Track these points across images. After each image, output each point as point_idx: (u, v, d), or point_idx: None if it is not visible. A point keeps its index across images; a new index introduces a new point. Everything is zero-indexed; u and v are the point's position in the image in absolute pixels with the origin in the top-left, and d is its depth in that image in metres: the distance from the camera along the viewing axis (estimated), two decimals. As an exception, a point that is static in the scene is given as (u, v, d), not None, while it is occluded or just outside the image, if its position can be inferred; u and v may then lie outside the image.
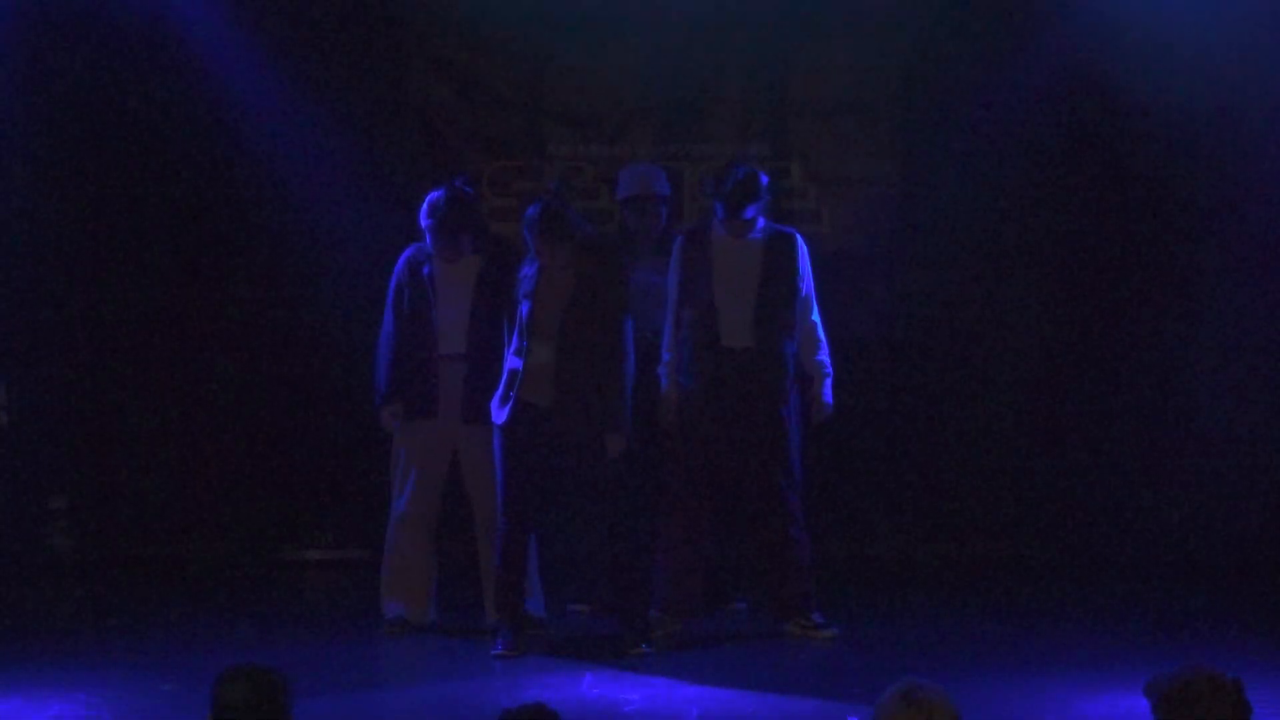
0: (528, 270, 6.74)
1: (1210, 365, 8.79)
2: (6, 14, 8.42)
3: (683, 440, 6.90)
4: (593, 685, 6.21)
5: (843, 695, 5.94)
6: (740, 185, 6.89)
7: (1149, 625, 7.24)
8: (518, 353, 6.68)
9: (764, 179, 7.00)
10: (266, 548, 8.91)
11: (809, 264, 7.05)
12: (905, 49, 8.93)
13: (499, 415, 6.67)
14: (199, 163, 8.96)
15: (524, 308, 6.67)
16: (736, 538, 7.41)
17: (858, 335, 8.76)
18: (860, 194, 8.97)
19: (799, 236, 7.10)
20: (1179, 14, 8.30)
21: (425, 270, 7.01)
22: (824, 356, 7.04)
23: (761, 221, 7.01)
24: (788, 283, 6.97)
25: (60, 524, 8.87)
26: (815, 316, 7.05)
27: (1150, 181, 8.82)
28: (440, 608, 7.14)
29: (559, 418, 6.60)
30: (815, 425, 7.06)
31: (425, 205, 7.02)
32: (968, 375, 9.05)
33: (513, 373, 6.67)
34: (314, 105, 8.81)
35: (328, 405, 8.94)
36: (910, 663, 6.38)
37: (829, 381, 7.02)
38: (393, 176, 8.84)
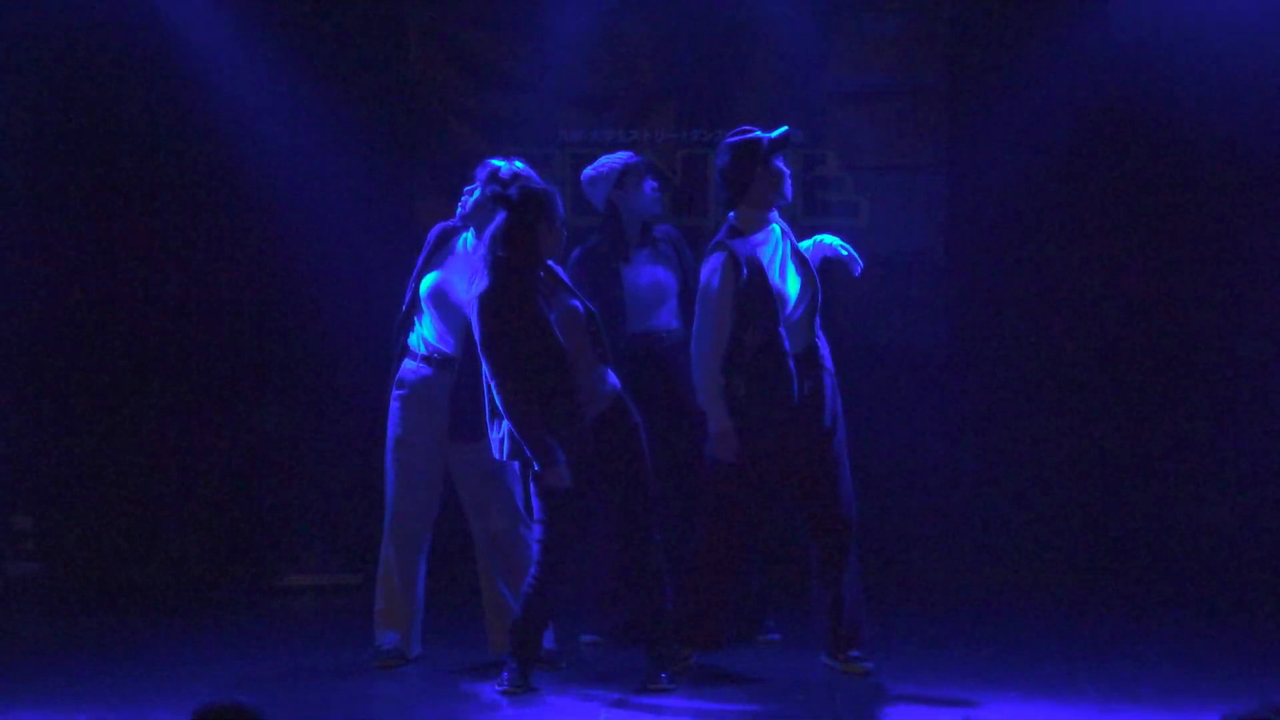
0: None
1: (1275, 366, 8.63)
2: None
3: (744, 466, 6.33)
4: (608, 723, 5.89)
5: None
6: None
7: (1223, 655, 6.84)
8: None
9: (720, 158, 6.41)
10: (250, 572, 8.69)
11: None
12: (951, 24, 8.72)
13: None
14: (181, 154, 8.76)
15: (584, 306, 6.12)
16: (774, 563, 7.20)
17: (900, 343, 8.67)
18: (903, 185, 8.71)
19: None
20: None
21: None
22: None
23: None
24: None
25: (25, 546, 8.64)
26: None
27: (1215, 168, 8.64)
28: (433, 639, 6.80)
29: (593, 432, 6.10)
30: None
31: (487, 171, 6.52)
32: (1021, 387, 8.80)
33: None
34: (308, 87, 8.60)
35: (316, 419, 8.77)
36: (954, 698, 6.02)
37: None
38: (393, 166, 8.68)
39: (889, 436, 8.30)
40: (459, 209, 6.55)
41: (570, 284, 6.14)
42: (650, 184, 7.02)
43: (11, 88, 8.58)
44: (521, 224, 5.96)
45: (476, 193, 6.48)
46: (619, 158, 7.06)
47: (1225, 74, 8.43)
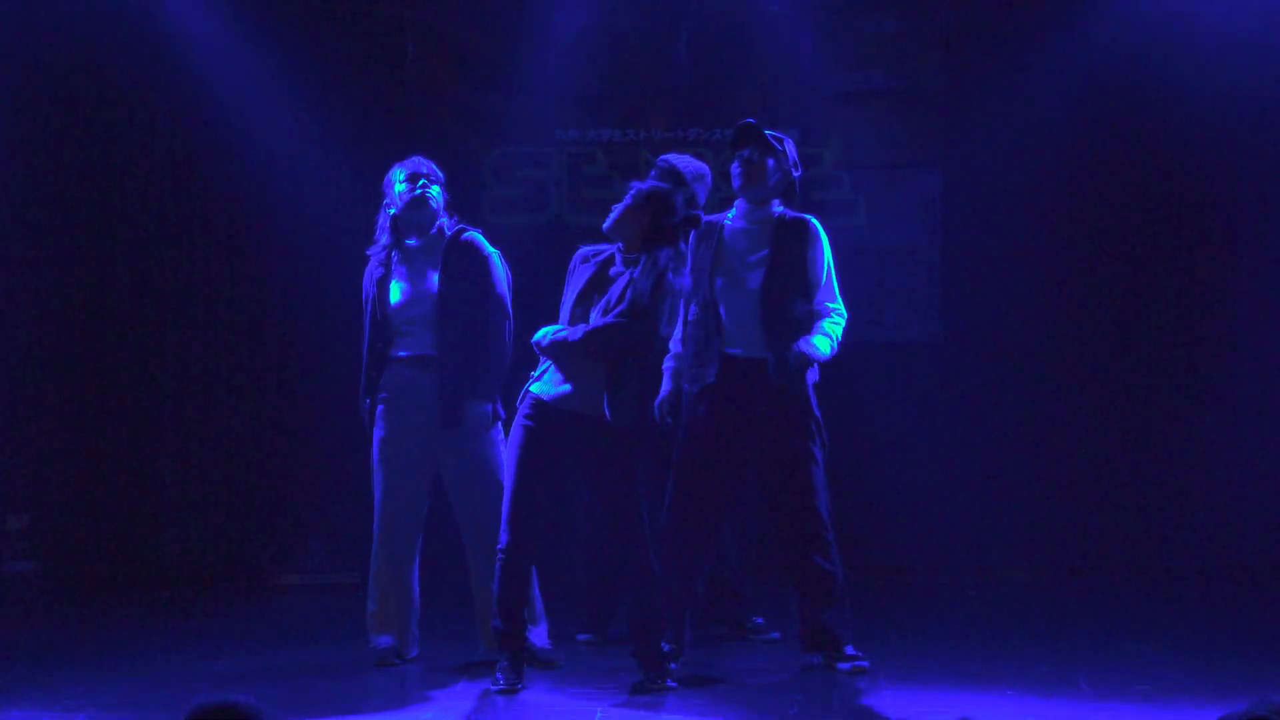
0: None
1: (1270, 362, 8.63)
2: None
3: (686, 451, 6.41)
4: (604, 724, 5.80)
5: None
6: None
7: (1220, 653, 6.79)
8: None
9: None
10: (247, 571, 8.69)
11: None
12: (947, 24, 8.73)
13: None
14: (180, 155, 8.78)
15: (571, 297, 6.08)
16: (766, 562, 7.14)
17: (895, 340, 8.66)
18: (899, 183, 8.72)
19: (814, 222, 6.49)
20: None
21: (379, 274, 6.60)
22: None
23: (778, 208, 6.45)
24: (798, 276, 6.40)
25: (20, 545, 8.53)
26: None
27: (1209, 167, 8.68)
28: (425, 639, 6.72)
29: (569, 425, 6.02)
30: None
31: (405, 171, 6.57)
32: (1016, 383, 8.81)
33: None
34: (306, 86, 8.63)
35: (313, 417, 8.78)
36: (950, 697, 5.96)
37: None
38: (390, 165, 8.36)
39: (884, 432, 8.26)
40: (393, 208, 6.50)
41: (649, 305, 5.97)
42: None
43: (10, 88, 8.52)
44: (636, 207, 5.98)
45: (408, 189, 6.48)
46: None
47: (1221, 75, 8.45)
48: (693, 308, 6.38)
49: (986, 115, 8.56)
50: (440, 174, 6.56)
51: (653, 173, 6.93)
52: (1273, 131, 8.55)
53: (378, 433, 6.53)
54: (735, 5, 8.59)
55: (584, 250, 6.11)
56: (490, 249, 6.43)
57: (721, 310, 6.31)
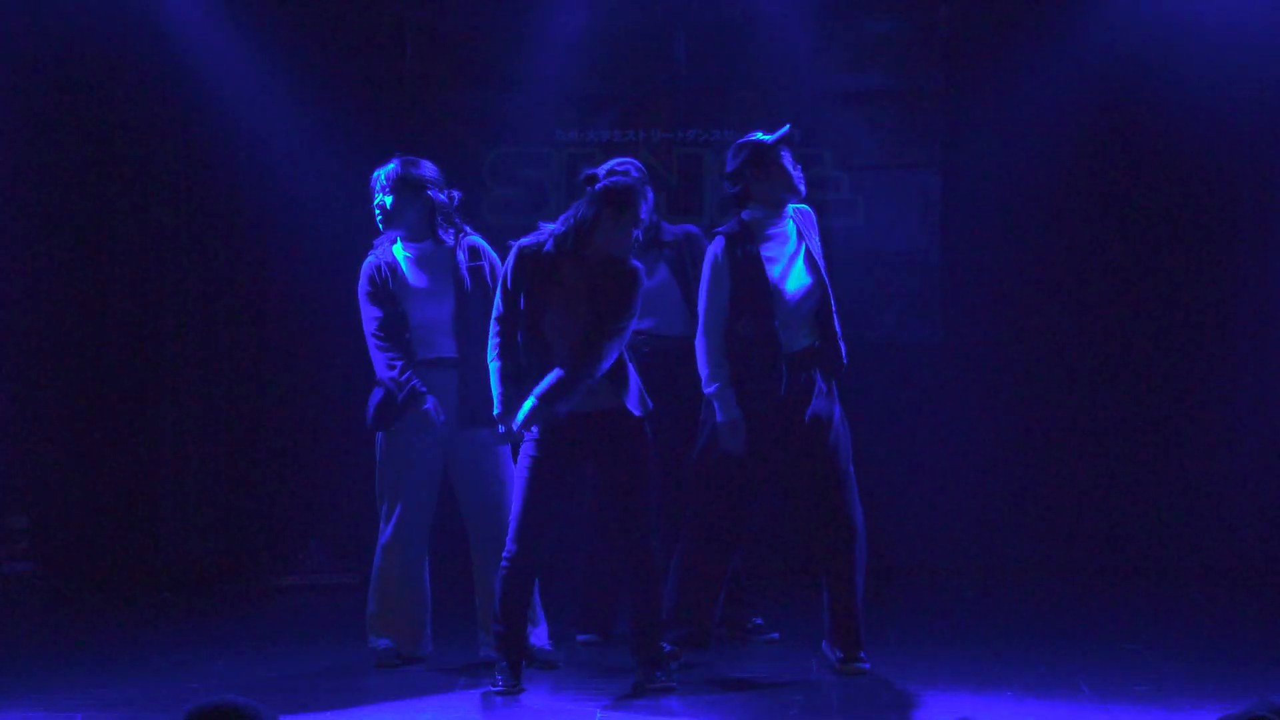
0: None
1: (1269, 364, 8.58)
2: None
3: (729, 462, 6.34)
4: (603, 725, 5.78)
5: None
6: None
7: (1220, 653, 6.76)
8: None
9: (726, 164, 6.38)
10: (247, 572, 8.64)
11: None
12: (947, 25, 8.71)
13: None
14: (177, 151, 8.76)
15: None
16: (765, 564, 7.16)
17: (894, 341, 8.65)
18: (898, 184, 8.69)
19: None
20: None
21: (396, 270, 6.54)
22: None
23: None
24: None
25: (20, 545, 8.53)
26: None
27: (1205, 172, 8.65)
28: (434, 639, 6.70)
29: (588, 426, 6.00)
30: None
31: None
32: (1015, 385, 8.79)
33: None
34: (304, 86, 8.60)
35: (313, 417, 8.76)
36: (950, 697, 5.94)
37: None
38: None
39: (883, 434, 8.24)
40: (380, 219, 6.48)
41: (626, 294, 5.95)
42: None
43: (8, 87, 8.52)
44: (588, 208, 5.92)
45: (389, 199, 6.45)
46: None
47: (1221, 75, 8.43)
48: (741, 321, 6.25)
49: (986, 115, 8.55)
50: (397, 172, 6.45)
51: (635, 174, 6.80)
52: (1273, 131, 8.53)
53: (385, 433, 6.51)
54: (734, 5, 8.56)
55: (524, 247, 5.99)
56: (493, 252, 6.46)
57: (777, 316, 6.22)
